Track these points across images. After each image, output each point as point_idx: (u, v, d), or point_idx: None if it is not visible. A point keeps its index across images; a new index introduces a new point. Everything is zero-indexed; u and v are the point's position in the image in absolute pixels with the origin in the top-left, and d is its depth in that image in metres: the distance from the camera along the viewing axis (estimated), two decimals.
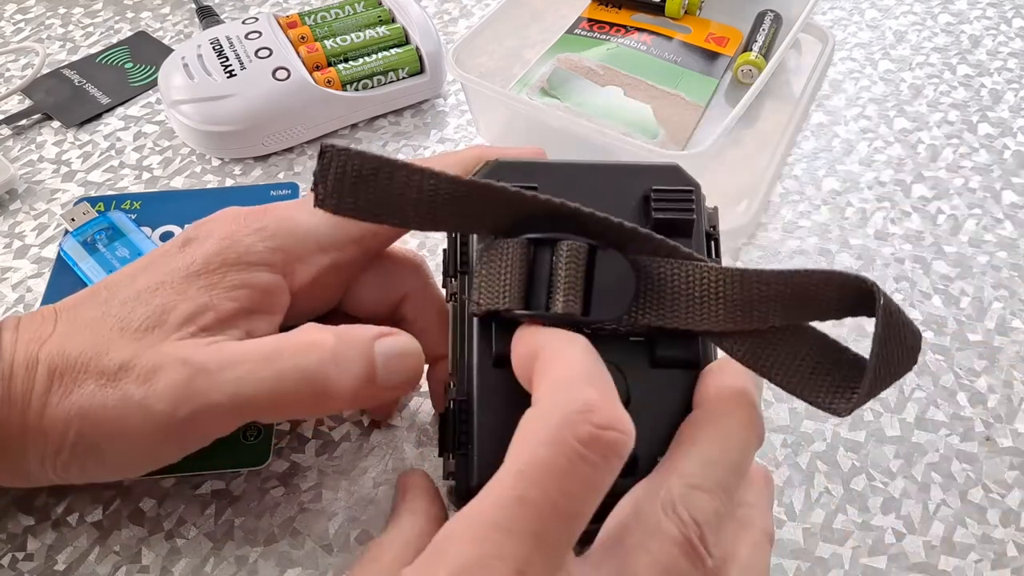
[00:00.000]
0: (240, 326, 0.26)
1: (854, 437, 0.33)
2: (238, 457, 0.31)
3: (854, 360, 0.23)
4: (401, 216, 0.23)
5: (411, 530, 0.25)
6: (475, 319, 0.25)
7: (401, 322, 0.30)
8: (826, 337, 0.24)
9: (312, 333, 0.26)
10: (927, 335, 0.36)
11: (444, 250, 0.28)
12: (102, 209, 0.39)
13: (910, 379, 0.35)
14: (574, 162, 0.27)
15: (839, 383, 0.23)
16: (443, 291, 0.30)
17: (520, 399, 0.22)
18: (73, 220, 0.38)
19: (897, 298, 0.38)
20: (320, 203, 0.23)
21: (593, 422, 0.19)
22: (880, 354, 0.22)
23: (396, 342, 0.26)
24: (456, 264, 0.26)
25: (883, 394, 0.34)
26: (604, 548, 0.21)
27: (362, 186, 0.23)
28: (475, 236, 0.26)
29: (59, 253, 0.37)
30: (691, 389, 0.25)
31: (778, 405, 0.34)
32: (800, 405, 0.34)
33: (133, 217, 0.38)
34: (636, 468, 0.23)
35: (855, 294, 0.22)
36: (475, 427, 0.24)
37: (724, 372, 0.24)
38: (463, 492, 0.24)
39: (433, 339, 0.29)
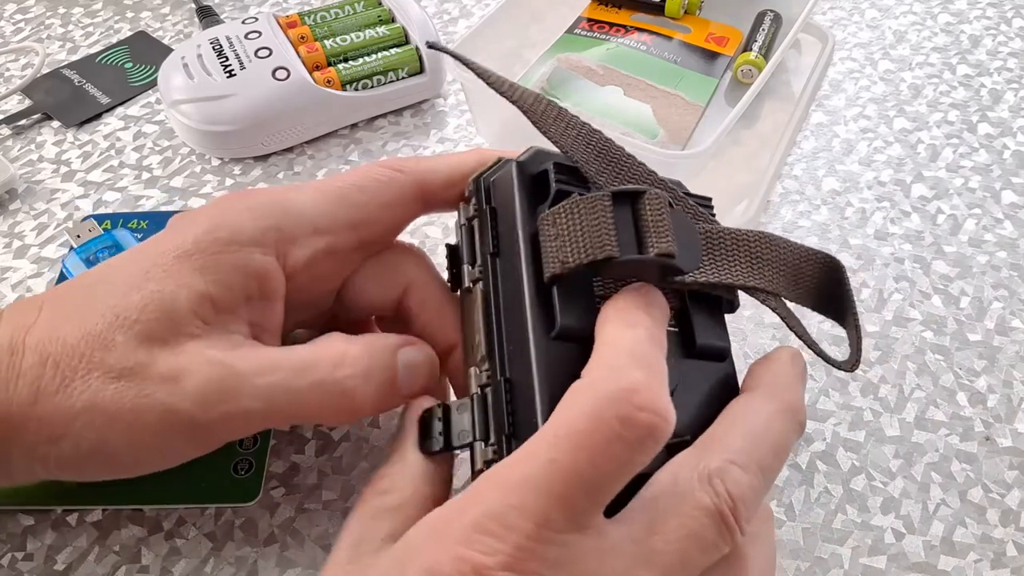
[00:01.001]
0: (241, 314, 0.26)
1: (854, 437, 0.33)
2: (227, 492, 0.30)
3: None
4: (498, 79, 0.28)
5: (418, 468, 0.24)
6: (527, 294, 0.24)
7: (405, 314, 0.30)
8: None
9: (341, 344, 0.26)
10: (927, 335, 0.36)
11: (447, 246, 0.28)
12: (108, 227, 0.39)
13: (910, 379, 0.35)
14: None
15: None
16: (446, 282, 0.30)
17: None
18: (79, 237, 0.38)
19: (897, 298, 0.38)
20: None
21: (635, 403, 0.20)
22: (856, 315, 0.27)
23: (417, 352, 0.27)
24: (491, 244, 0.25)
25: (883, 394, 0.34)
26: (637, 509, 0.21)
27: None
28: (518, 214, 0.25)
29: (62, 270, 0.37)
30: (718, 382, 0.25)
31: None
32: None
33: (139, 236, 0.38)
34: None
35: (826, 266, 0.27)
36: (537, 404, 0.22)
37: (773, 362, 0.26)
38: None
39: (441, 330, 0.29)
